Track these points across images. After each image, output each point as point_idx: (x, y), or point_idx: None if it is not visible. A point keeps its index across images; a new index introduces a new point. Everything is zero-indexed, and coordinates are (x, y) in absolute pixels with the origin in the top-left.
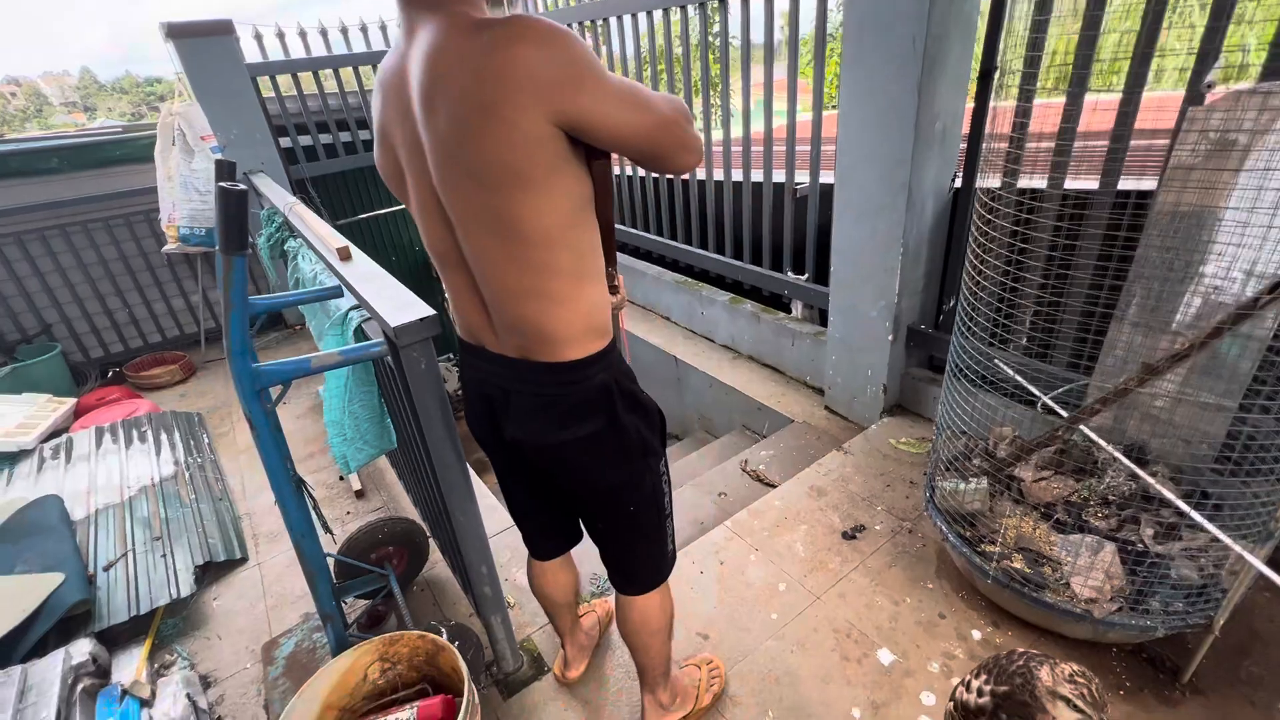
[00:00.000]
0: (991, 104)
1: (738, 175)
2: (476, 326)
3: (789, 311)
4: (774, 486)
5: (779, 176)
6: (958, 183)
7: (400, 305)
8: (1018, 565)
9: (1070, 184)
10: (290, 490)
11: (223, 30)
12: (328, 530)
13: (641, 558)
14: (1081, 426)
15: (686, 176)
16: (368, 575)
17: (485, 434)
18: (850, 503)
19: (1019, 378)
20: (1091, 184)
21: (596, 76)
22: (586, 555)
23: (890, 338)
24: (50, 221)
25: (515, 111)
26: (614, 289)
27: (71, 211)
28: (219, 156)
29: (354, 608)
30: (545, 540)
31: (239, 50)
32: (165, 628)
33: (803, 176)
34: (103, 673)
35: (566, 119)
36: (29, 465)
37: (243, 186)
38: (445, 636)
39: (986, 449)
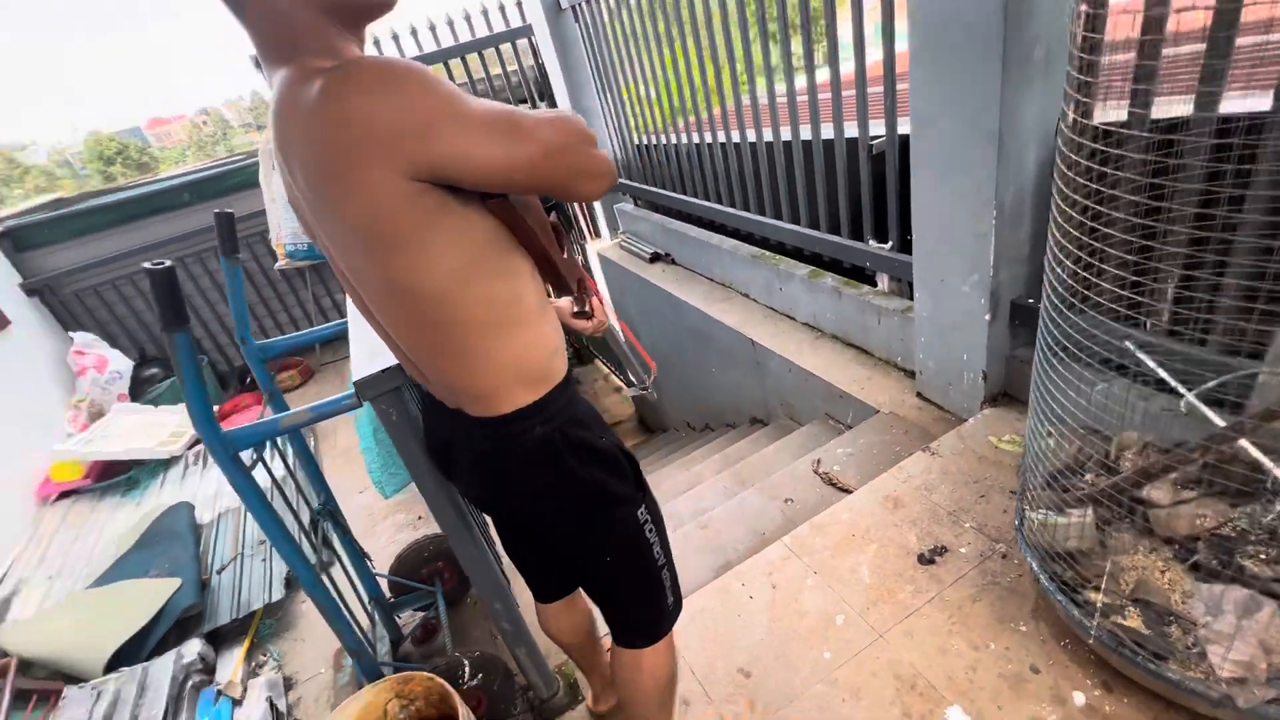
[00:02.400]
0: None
1: (808, 133)
2: (414, 374)
3: (875, 285)
4: (848, 492)
5: (852, 131)
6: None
7: (372, 353)
8: (1132, 623)
9: (1232, 106)
10: (290, 547)
11: None
12: (364, 556)
13: (630, 610)
14: (1245, 440)
15: (753, 138)
16: (419, 591)
17: (449, 480)
18: (932, 518)
19: (1154, 364)
20: (1264, 103)
21: (450, 116)
22: None
23: (988, 316)
24: (188, 249)
25: (361, 175)
26: (585, 314)
27: (201, 238)
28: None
29: (415, 619)
30: (542, 584)
31: None
32: (263, 628)
33: (879, 128)
34: (209, 670)
35: (424, 170)
36: (177, 471)
37: (169, 264)
38: (469, 667)
39: (1104, 460)
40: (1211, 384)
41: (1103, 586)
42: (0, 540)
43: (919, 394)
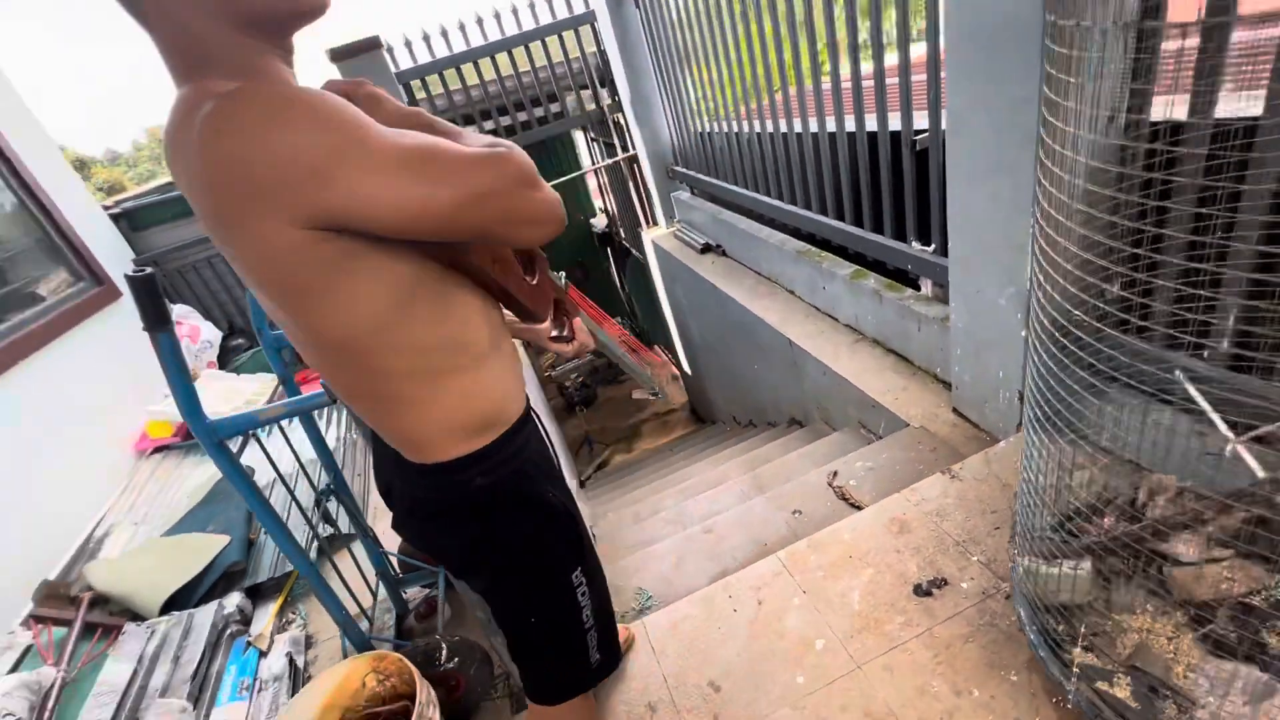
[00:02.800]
0: None
1: (853, 125)
2: None
3: (918, 289)
4: (859, 509)
5: (896, 124)
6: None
7: None
8: (1120, 693)
9: None
10: (276, 523)
11: (373, 46)
12: (368, 534)
13: (548, 669)
14: None
15: (799, 128)
16: (424, 570)
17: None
18: (938, 547)
19: (1204, 401)
20: None
21: (349, 157)
22: (625, 569)
23: (1025, 332)
24: None
25: (250, 226)
26: (564, 338)
27: None
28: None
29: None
30: None
31: (388, 62)
32: (297, 588)
33: (924, 121)
34: (246, 621)
35: (320, 219)
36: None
37: (148, 270)
38: (446, 650)
39: (1131, 504)
40: (1270, 428)
41: (1092, 646)
42: (102, 487)
43: (954, 409)
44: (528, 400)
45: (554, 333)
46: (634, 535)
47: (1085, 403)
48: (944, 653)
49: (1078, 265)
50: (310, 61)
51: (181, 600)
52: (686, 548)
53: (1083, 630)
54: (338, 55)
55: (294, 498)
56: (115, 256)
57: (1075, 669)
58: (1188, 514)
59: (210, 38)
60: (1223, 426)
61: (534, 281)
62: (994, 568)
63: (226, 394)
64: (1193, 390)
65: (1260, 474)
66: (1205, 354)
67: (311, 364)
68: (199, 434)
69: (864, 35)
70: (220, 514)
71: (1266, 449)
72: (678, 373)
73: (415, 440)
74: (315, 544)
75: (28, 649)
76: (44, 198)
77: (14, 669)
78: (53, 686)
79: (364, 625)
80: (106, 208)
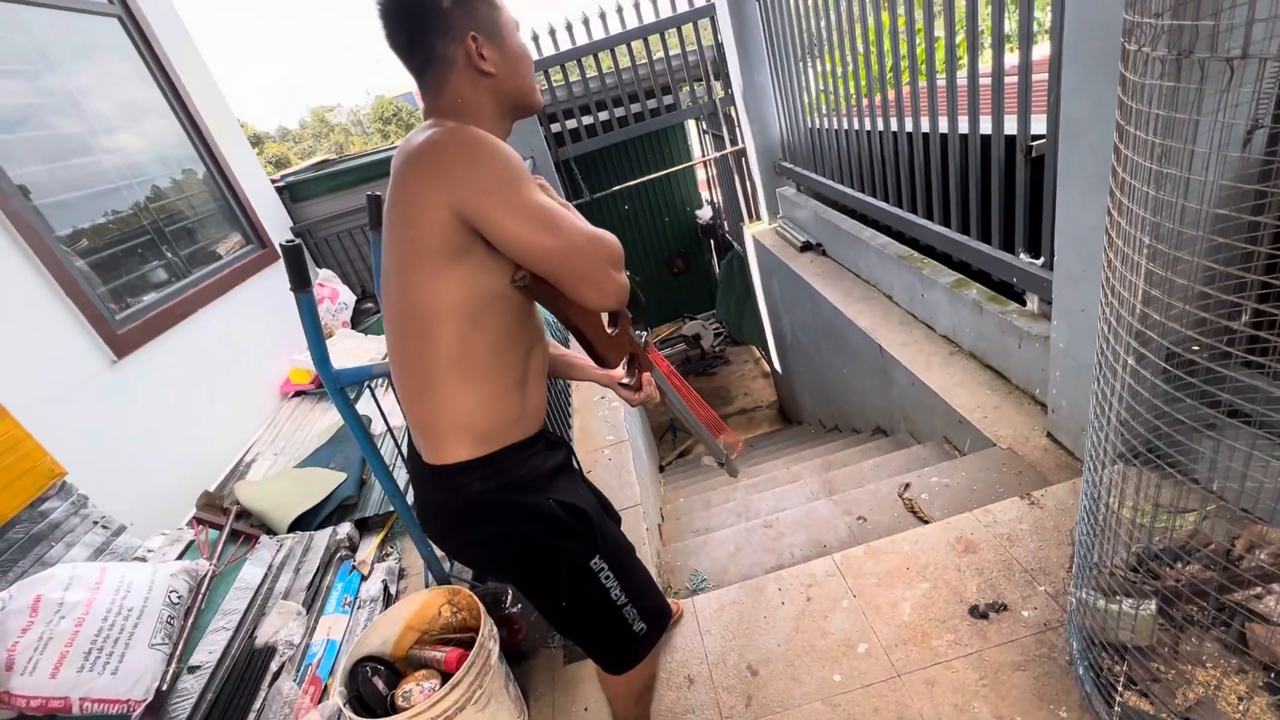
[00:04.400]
0: None
1: (965, 126)
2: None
3: (1023, 304)
4: (926, 523)
5: (1011, 128)
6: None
7: None
8: None
9: None
10: (380, 464)
11: None
12: None
13: (597, 645)
14: None
15: (910, 127)
16: None
17: None
18: (1003, 571)
19: None
20: None
21: (506, 189)
22: (685, 550)
23: (1112, 355)
24: None
25: (424, 193)
26: (630, 386)
27: None
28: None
29: None
30: None
31: None
32: (398, 525)
33: (1041, 126)
34: (353, 548)
35: (466, 213)
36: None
37: (297, 241)
38: (512, 597)
39: (1226, 554)
40: None
41: (1148, 691)
42: (253, 421)
43: (1049, 433)
44: (544, 431)
45: (625, 380)
46: (700, 521)
47: (1191, 438)
48: (991, 677)
49: (1197, 294)
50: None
51: (305, 522)
52: (746, 538)
53: (1134, 672)
54: None
55: (399, 447)
56: (277, 223)
57: (1119, 709)
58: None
59: (480, 109)
60: None
61: (613, 333)
62: (1061, 600)
63: (356, 351)
64: None
65: None
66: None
67: (389, 334)
68: (325, 380)
69: (984, 25)
70: (341, 454)
71: None
72: (742, 449)
73: (435, 429)
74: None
75: (190, 543)
76: (227, 169)
77: (180, 556)
78: (206, 576)
79: (446, 565)
80: (273, 180)
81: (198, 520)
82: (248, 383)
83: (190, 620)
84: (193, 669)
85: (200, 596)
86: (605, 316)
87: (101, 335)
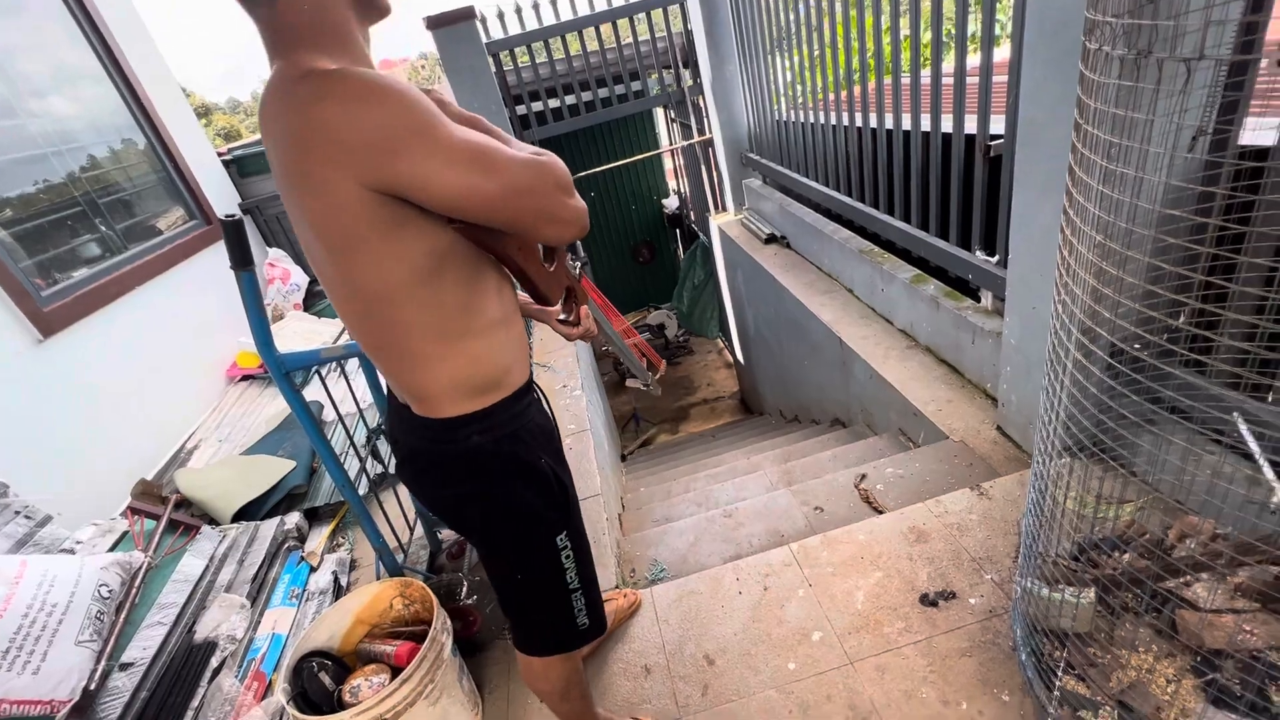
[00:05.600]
0: None
1: (928, 124)
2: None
3: (978, 300)
4: (881, 513)
5: (971, 127)
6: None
7: None
8: None
9: None
10: (328, 452)
11: (466, 16)
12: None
13: (533, 623)
14: None
15: (875, 124)
16: None
17: None
18: (952, 560)
19: (1254, 443)
20: None
21: (421, 139)
22: (645, 540)
23: (1052, 351)
24: None
25: (323, 178)
26: (569, 322)
27: None
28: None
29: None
30: None
31: (479, 32)
32: (349, 516)
33: (1000, 126)
34: (301, 539)
35: (384, 185)
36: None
37: (238, 216)
38: (466, 587)
39: (1159, 544)
40: None
41: (1085, 675)
42: (196, 405)
43: (999, 427)
44: (531, 375)
45: (562, 316)
46: (660, 511)
47: (1133, 433)
48: (939, 663)
49: (1142, 293)
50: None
51: (250, 512)
52: (706, 528)
53: (1073, 657)
54: (434, 23)
55: (349, 435)
56: (224, 199)
57: (1057, 692)
58: (1217, 560)
59: (330, 10)
60: (1270, 475)
61: (551, 268)
62: (1006, 588)
63: (307, 334)
64: (1246, 432)
65: None
66: (1270, 398)
67: (344, 316)
68: (268, 363)
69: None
70: (290, 441)
71: None
72: (664, 372)
73: (424, 395)
74: (364, 478)
75: (124, 534)
76: (169, 140)
77: (113, 548)
78: (140, 568)
79: (399, 557)
80: (220, 154)
81: (133, 510)
82: (191, 366)
83: (122, 615)
84: (124, 666)
85: (134, 590)
86: (540, 249)
87: (25, 312)
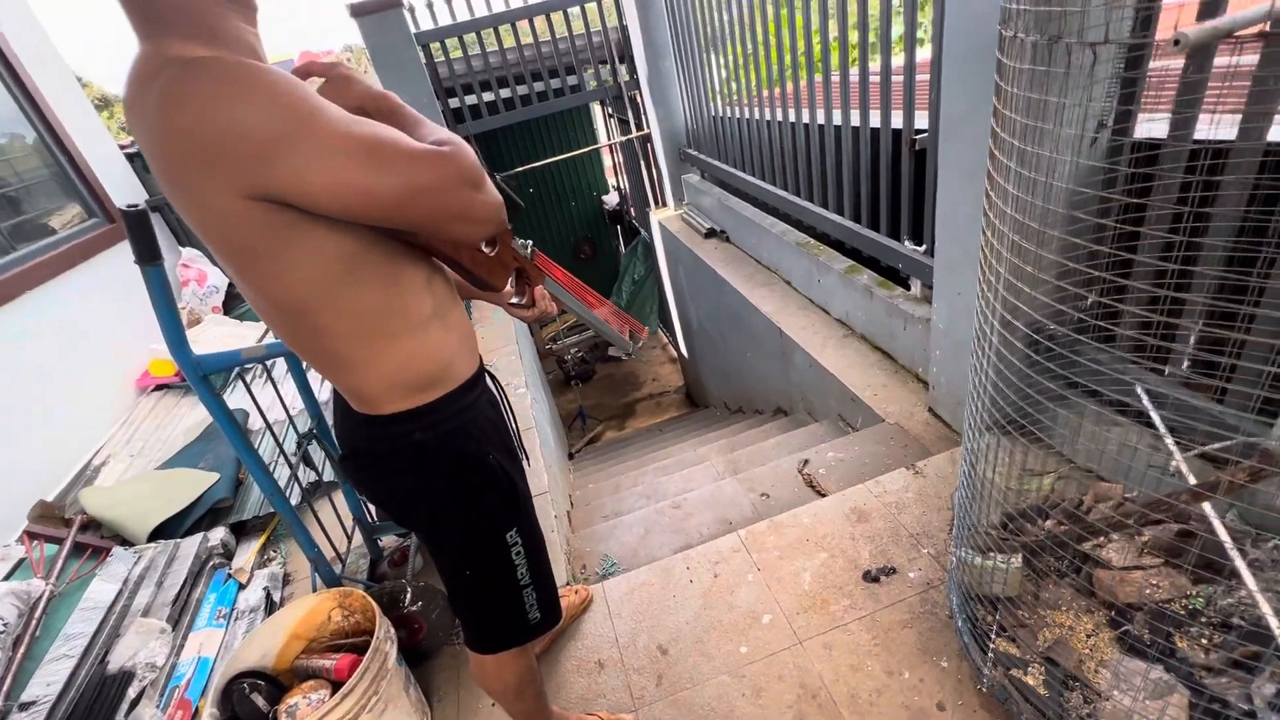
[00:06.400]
0: None
1: (857, 119)
2: None
3: (908, 288)
4: (824, 496)
5: (897, 122)
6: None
7: None
8: (1032, 681)
9: None
10: (253, 459)
11: (392, 4)
12: (347, 481)
13: (481, 619)
14: (1209, 506)
15: (808, 119)
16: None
17: None
18: (892, 537)
19: (1157, 415)
20: None
21: (297, 138)
22: (595, 535)
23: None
24: None
25: (199, 189)
26: (523, 304)
27: None
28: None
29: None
30: None
31: (407, 22)
32: (280, 528)
33: (924, 120)
34: (229, 555)
35: (263, 193)
36: (246, 379)
37: (141, 206)
38: (410, 594)
39: (1076, 508)
40: (1214, 447)
41: (1015, 637)
42: (103, 419)
43: (930, 409)
44: (481, 367)
45: (514, 299)
46: (610, 505)
47: (1050, 409)
48: (882, 636)
49: (1057, 273)
50: (328, 18)
51: (169, 530)
52: (655, 520)
53: (1004, 620)
54: (357, 11)
55: (278, 441)
56: (129, 195)
57: (991, 654)
58: (1128, 520)
59: None
60: (1169, 441)
61: (491, 252)
62: (942, 561)
63: (228, 339)
64: (1148, 403)
65: (1193, 481)
66: (1166, 371)
67: (267, 322)
68: (182, 366)
69: (873, 38)
70: (211, 453)
71: (1212, 467)
72: (646, 334)
73: (361, 394)
74: (295, 486)
75: (20, 561)
76: (62, 133)
77: (6, 578)
78: (41, 597)
79: (338, 567)
80: (123, 147)
81: (30, 535)
82: (94, 377)
83: (21, 650)
84: (25, 706)
85: (34, 622)
86: None
87: None
